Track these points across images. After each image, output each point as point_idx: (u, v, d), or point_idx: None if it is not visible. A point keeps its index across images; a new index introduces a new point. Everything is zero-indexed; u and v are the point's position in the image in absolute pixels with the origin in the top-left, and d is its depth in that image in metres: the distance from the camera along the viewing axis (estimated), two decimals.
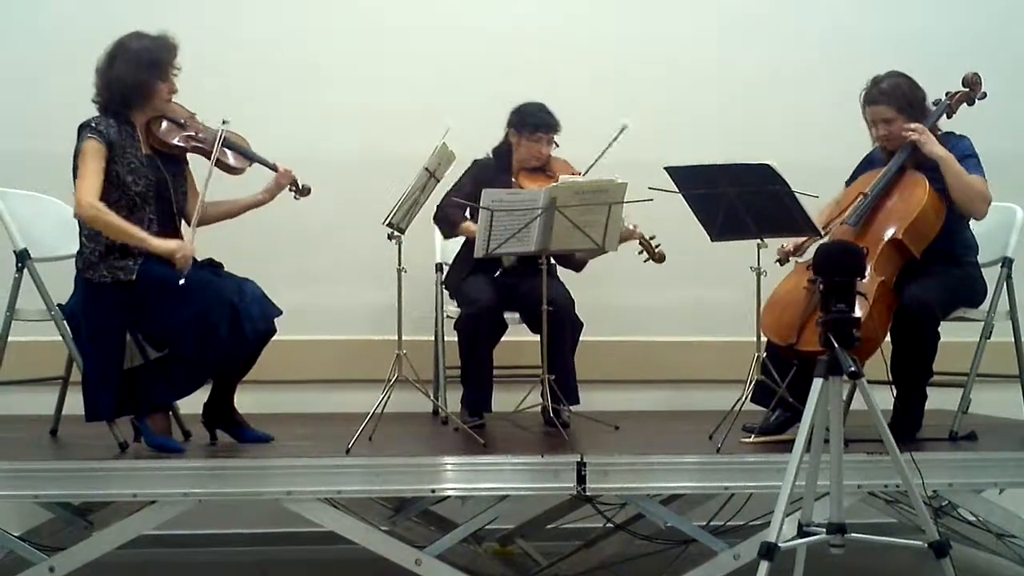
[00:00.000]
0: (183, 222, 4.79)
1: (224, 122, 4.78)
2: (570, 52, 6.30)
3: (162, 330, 4.59)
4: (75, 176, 4.62)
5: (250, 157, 4.86)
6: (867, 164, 5.17)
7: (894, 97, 4.98)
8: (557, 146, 5.47)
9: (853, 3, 6.54)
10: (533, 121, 5.42)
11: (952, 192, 4.90)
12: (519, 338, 5.51)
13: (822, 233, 4.86)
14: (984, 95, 5.07)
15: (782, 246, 5.03)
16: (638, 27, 6.36)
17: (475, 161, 5.47)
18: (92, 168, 4.57)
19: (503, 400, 5.39)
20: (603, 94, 6.20)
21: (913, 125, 4.93)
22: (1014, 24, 6.58)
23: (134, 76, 4.65)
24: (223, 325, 4.51)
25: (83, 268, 4.65)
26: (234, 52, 5.98)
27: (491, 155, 5.53)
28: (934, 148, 4.90)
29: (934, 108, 5.05)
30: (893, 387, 4.93)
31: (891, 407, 4.93)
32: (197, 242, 4.75)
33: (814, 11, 6.50)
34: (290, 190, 4.91)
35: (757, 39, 6.43)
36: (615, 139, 5.18)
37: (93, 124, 4.63)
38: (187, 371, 4.58)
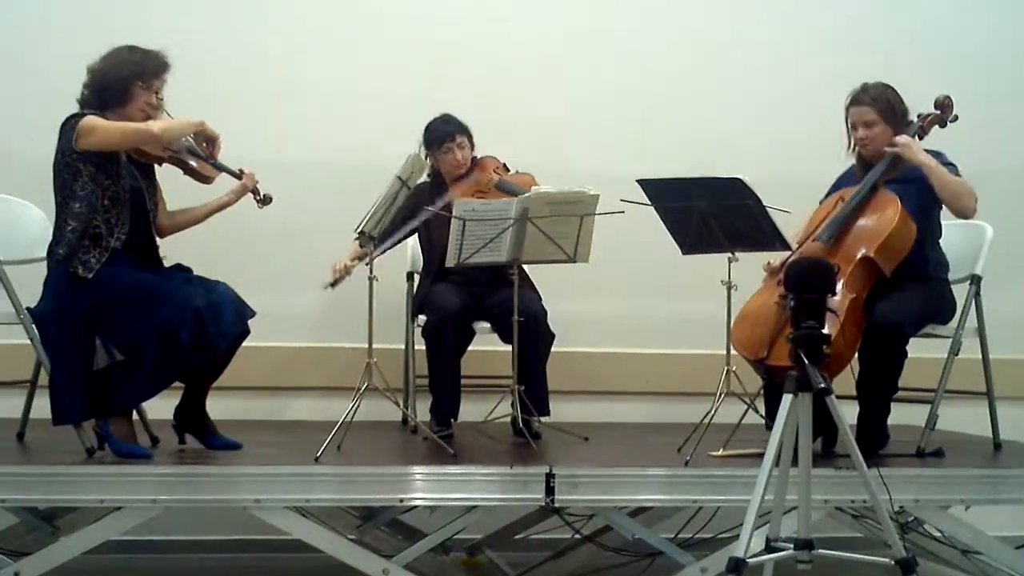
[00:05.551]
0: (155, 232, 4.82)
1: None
2: (550, 62, 6.31)
3: (124, 334, 4.56)
4: (63, 176, 4.58)
5: (216, 166, 4.88)
6: (841, 183, 5.19)
7: (879, 101, 5.01)
8: (473, 148, 5.50)
9: (839, 15, 6.55)
10: (435, 136, 5.48)
11: (941, 195, 4.92)
12: (489, 348, 5.51)
13: (792, 248, 4.88)
14: (956, 118, 5.06)
15: (768, 263, 5.04)
16: (618, 41, 6.37)
17: (416, 186, 5.36)
18: (111, 122, 4.55)
19: (473, 410, 5.39)
20: (580, 106, 6.23)
21: (896, 139, 4.95)
22: (985, 48, 6.61)
23: (115, 74, 4.66)
24: (186, 331, 4.49)
25: (56, 253, 4.58)
26: (209, 56, 5.94)
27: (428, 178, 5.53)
28: (919, 156, 4.92)
29: (910, 127, 5.07)
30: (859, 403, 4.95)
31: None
32: (166, 248, 4.76)
33: (795, 24, 6.51)
34: (254, 198, 4.92)
35: (735, 53, 6.44)
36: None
37: (83, 112, 4.61)
38: (147, 376, 4.55)
